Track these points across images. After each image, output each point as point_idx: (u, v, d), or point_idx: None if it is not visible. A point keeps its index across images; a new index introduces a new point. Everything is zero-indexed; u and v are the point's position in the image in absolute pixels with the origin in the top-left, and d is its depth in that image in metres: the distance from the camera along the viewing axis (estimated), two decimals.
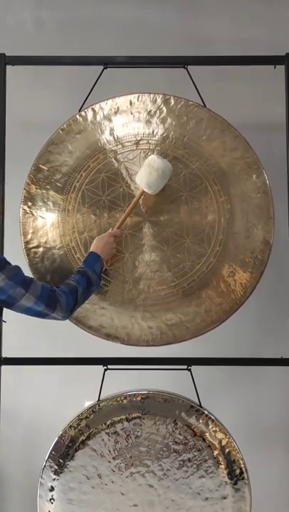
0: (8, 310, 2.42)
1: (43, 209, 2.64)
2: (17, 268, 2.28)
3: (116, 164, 2.64)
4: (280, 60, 2.73)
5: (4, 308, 2.40)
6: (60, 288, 2.36)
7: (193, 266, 2.61)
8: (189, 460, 2.64)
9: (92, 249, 2.53)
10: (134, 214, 2.62)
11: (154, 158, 2.53)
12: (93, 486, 2.65)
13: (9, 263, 2.27)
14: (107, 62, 2.73)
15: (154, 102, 2.65)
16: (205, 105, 2.64)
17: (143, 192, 2.56)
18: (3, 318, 2.44)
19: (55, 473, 2.65)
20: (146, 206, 2.62)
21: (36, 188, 2.65)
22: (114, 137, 2.64)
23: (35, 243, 2.64)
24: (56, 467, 2.64)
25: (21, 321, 2.90)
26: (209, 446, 2.64)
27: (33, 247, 2.64)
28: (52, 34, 3.35)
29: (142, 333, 2.64)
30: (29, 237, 2.64)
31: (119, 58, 2.79)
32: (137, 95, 2.65)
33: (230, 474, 2.63)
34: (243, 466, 2.63)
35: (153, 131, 2.63)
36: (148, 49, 3.08)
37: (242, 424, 3.21)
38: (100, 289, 2.60)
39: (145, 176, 2.53)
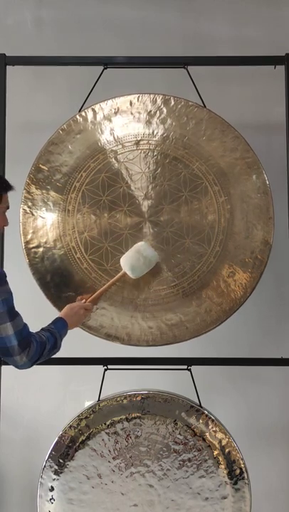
0: None
1: (43, 209, 2.65)
2: (11, 293, 2.21)
3: (116, 164, 2.64)
4: (280, 60, 2.73)
5: None
6: (34, 336, 2.27)
7: (194, 266, 2.61)
8: (189, 460, 2.64)
9: (61, 314, 2.49)
10: (134, 214, 2.62)
11: (144, 246, 2.56)
12: (93, 486, 2.65)
13: (7, 283, 2.20)
14: (107, 62, 2.73)
15: (154, 102, 2.65)
16: (205, 105, 2.65)
17: (124, 274, 2.57)
18: None
19: (55, 473, 2.65)
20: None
21: (36, 188, 2.65)
22: (114, 137, 2.64)
23: (35, 243, 2.64)
24: (56, 467, 2.65)
25: None
26: (209, 446, 2.64)
27: (33, 247, 2.64)
28: (52, 34, 3.35)
29: (142, 333, 2.64)
30: (29, 237, 2.64)
31: (119, 58, 2.79)
32: (137, 95, 2.65)
33: (230, 474, 2.63)
34: (243, 466, 2.63)
35: (153, 132, 2.63)
36: (148, 49, 3.08)
37: (242, 424, 3.21)
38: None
39: (131, 260, 2.55)
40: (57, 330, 2.39)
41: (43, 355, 2.29)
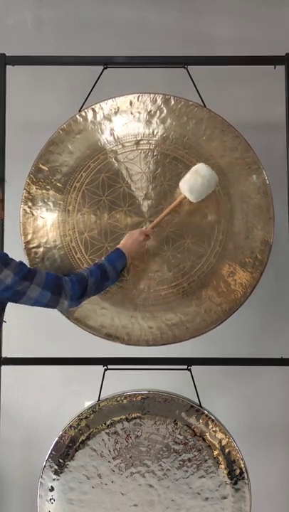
0: (8, 310, 2.42)
1: (44, 209, 2.64)
2: (20, 263, 2.30)
3: (116, 164, 2.64)
4: (280, 60, 2.73)
5: (5, 309, 2.40)
6: (69, 276, 2.38)
7: (194, 266, 2.61)
8: (189, 460, 2.64)
9: (120, 244, 2.53)
10: (134, 214, 2.62)
11: (202, 166, 2.52)
12: (93, 486, 2.65)
13: (12, 259, 2.29)
14: (107, 62, 2.73)
15: (154, 102, 2.65)
16: (205, 105, 2.64)
17: (184, 198, 2.55)
18: (4, 319, 2.44)
19: (55, 473, 2.65)
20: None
21: (36, 188, 2.65)
22: (114, 137, 2.64)
23: (35, 243, 2.64)
24: (56, 467, 2.65)
25: (21, 321, 2.92)
26: (209, 446, 2.64)
27: (34, 247, 2.64)
28: (52, 34, 3.35)
29: (142, 332, 2.64)
30: (29, 237, 2.64)
31: (119, 58, 2.79)
32: (137, 95, 2.65)
33: (230, 474, 2.63)
34: (243, 466, 2.63)
35: (153, 132, 2.63)
36: (148, 49, 3.08)
37: (242, 424, 3.21)
38: None
39: (189, 181, 2.52)
40: (108, 261, 2.46)
41: (88, 289, 2.38)
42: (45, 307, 2.33)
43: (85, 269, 2.45)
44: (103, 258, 2.49)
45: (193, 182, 2.52)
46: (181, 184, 2.56)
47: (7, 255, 2.30)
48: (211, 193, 2.55)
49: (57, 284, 2.32)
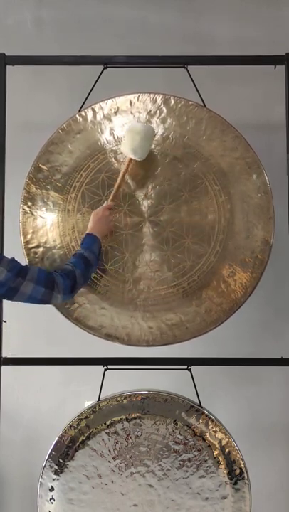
0: (8, 310, 2.43)
1: (43, 209, 2.64)
2: (12, 259, 2.30)
3: (116, 164, 2.64)
4: (280, 60, 2.73)
5: (4, 309, 2.40)
6: (57, 271, 2.39)
7: (194, 266, 2.61)
8: (189, 460, 2.64)
9: (88, 229, 2.54)
10: (134, 214, 2.62)
11: (134, 124, 2.56)
12: (93, 486, 2.65)
13: (4, 256, 2.30)
14: (107, 62, 2.73)
15: (154, 102, 2.65)
16: (205, 105, 2.64)
17: (130, 160, 2.57)
18: (4, 318, 2.45)
19: (55, 473, 2.65)
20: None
21: (36, 188, 2.65)
22: (114, 137, 2.64)
23: (35, 243, 2.64)
24: (56, 467, 2.64)
25: (21, 321, 2.92)
26: (209, 446, 2.64)
27: (33, 247, 2.64)
28: (52, 34, 3.35)
29: (142, 333, 2.64)
30: (29, 237, 2.64)
31: (119, 58, 2.79)
32: (137, 95, 2.65)
33: (230, 474, 2.63)
34: (243, 466, 2.63)
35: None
36: (148, 49, 3.08)
37: (242, 424, 3.21)
38: (100, 289, 2.61)
39: (128, 142, 2.54)
40: (85, 248, 2.48)
41: (78, 281, 2.41)
42: (39, 303, 2.34)
43: (67, 263, 2.46)
44: (79, 248, 2.50)
45: (132, 141, 2.53)
46: (122, 149, 2.58)
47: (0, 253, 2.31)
48: (152, 146, 2.56)
49: (49, 278, 2.33)
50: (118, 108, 2.65)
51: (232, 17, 3.33)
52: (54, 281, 2.33)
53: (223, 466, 2.64)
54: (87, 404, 2.70)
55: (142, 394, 2.65)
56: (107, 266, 2.61)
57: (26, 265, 2.38)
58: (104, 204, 2.58)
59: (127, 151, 2.56)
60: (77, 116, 2.67)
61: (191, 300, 2.63)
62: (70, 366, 2.88)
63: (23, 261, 2.61)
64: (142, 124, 2.57)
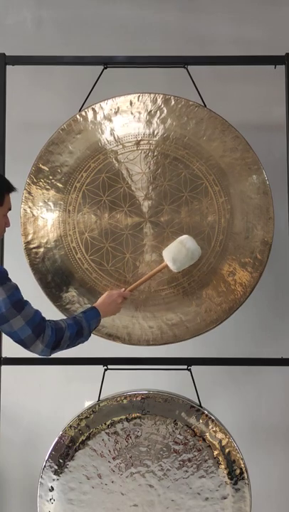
0: None
1: (44, 209, 2.64)
2: (16, 287, 2.23)
3: (116, 165, 2.64)
4: (280, 60, 2.73)
5: None
6: (50, 322, 2.30)
7: (194, 266, 2.61)
8: (189, 460, 2.64)
9: (97, 303, 2.49)
10: (134, 214, 2.62)
11: (187, 239, 2.53)
12: (93, 486, 2.65)
13: (10, 279, 2.23)
14: (107, 62, 2.73)
15: (155, 102, 2.65)
16: (205, 105, 2.64)
17: (165, 266, 2.55)
18: None
19: (55, 474, 2.65)
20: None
21: (37, 189, 2.65)
22: (114, 137, 2.64)
23: (35, 244, 2.64)
24: (56, 467, 2.64)
25: None
26: (209, 446, 2.64)
27: (34, 248, 2.64)
28: (52, 34, 3.34)
29: (142, 332, 2.64)
30: (30, 237, 2.64)
31: (119, 58, 2.79)
32: (137, 95, 2.65)
33: (230, 474, 2.63)
34: (243, 466, 2.63)
35: (153, 132, 2.63)
36: (148, 49, 3.08)
37: (242, 424, 3.21)
38: (100, 289, 2.61)
39: (173, 251, 2.52)
40: (85, 318, 2.40)
41: (62, 342, 2.30)
42: (19, 343, 2.24)
43: (64, 319, 2.37)
44: (81, 314, 2.43)
45: (177, 253, 2.52)
46: (164, 253, 2.55)
47: (7, 273, 2.23)
48: (189, 265, 2.54)
49: (41, 325, 2.24)
50: (118, 108, 2.65)
51: (232, 17, 3.33)
52: (43, 330, 2.23)
53: (223, 466, 2.64)
54: (87, 404, 2.70)
55: (142, 394, 2.65)
56: (107, 266, 2.61)
57: (26, 300, 2.26)
58: (122, 291, 2.54)
59: (168, 257, 2.52)
60: (78, 116, 2.67)
61: (191, 300, 2.63)
62: (70, 366, 2.88)
63: (24, 262, 2.62)
64: (195, 243, 2.53)
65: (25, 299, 2.25)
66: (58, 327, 2.29)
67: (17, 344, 2.31)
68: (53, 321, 2.32)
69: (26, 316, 2.21)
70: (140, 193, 2.63)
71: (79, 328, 2.35)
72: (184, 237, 2.55)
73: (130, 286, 2.56)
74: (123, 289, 2.56)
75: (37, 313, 2.26)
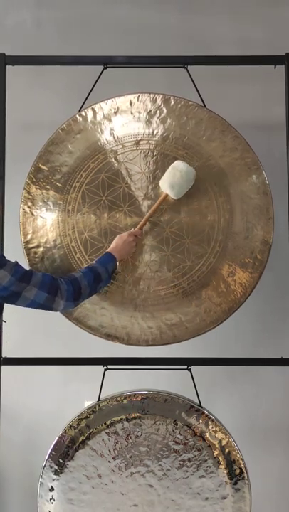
0: (8, 310, 2.42)
1: (43, 209, 2.65)
2: (16, 263, 2.30)
3: (116, 164, 2.64)
4: (280, 60, 2.73)
5: (4, 309, 2.40)
6: (63, 278, 2.40)
7: (193, 266, 2.61)
8: (189, 460, 2.64)
9: (110, 248, 2.55)
10: (134, 214, 2.62)
11: (178, 163, 2.55)
12: (93, 486, 2.65)
13: (8, 260, 2.29)
14: (107, 62, 2.73)
15: (154, 102, 2.65)
16: (205, 105, 2.64)
17: (166, 195, 2.57)
18: (3, 318, 2.44)
19: (55, 473, 2.65)
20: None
21: (36, 188, 2.65)
22: (114, 137, 2.64)
23: (35, 243, 2.64)
24: (56, 467, 2.65)
25: (21, 321, 2.92)
26: (209, 446, 2.64)
27: (33, 247, 2.64)
28: (52, 34, 3.35)
29: (142, 332, 2.64)
30: (29, 237, 2.64)
31: (119, 58, 2.79)
32: (137, 95, 2.65)
33: (230, 474, 2.63)
34: (243, 466, 2.63)
35: (153, 132, 2.63)
36: (148, 49, 3.08)
37: (242, 424, 3.21)
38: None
39: (168, 177, 2.55)
40: (100, 263, 2.48)
41: (83, 291, 2.40)
42: (41, 308, 2.34)
43: (77, 271, 2.47)
44: (94, 261, 2.51)
45: (172, 178, 2.54)
46: (161, 183, 2.58)
47: (3, 256, 2.30)
48: (190, 188, 2.56)
49: (53, 284, 2.33)
50: (118, 108, 2.65)
51: (232, 17, 3.33)
52: (58, 287, 2.33)
53: (223, 466, 2.64)
54: (87, 404, 2.70)
55: (142, 394, 2.65)
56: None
57: (30, 270, 2.37)
58: (132, 230, 2.58)
59: (165, 185, 2.56)
60: (77, 116, 2.67)
61: (190, 300, 2.63)
62: (70, 366, 2.88)
63: (24, 261, 2.62)
64: (186, 164, 2.55)
65: (28, 269, 2.33)
66: (71, 279, 2.38)
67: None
68: (67, 275, 2.42)
69: (36, 282, 2.29)
70: (140, 192, 2.63)
71: (96, 275, 2.44)
72: (175, 162, 2.57)
73: (138, 224, 2.59)
74: (132, 228, 2.59)
75: (44, 275, 2.34)
